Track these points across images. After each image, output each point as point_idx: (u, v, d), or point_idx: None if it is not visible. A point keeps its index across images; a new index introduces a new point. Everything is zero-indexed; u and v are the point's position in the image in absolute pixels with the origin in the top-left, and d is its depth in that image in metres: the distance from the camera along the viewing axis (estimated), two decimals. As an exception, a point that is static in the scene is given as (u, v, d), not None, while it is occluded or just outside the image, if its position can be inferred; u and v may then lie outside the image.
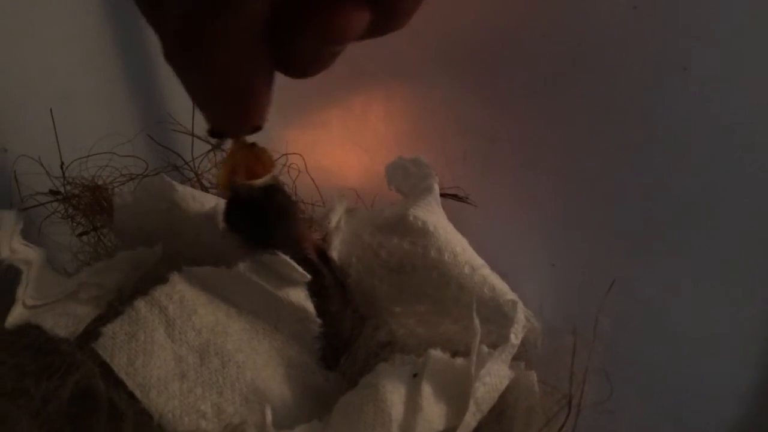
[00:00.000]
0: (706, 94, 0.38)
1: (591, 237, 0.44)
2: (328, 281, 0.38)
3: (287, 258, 0.35)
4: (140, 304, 0.34)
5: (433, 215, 0.40)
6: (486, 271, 0.39)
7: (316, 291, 0.37)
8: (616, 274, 0.35)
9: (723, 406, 0.40)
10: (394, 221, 0.40)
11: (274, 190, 0.35)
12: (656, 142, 0.41)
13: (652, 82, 0.39)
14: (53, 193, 0.45)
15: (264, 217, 0.35)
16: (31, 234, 0.39)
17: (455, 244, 0.39)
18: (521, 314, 0.35)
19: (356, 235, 0.41)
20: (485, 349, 0.33)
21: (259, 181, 0.34)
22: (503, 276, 0.39)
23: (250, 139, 0.32)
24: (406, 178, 0.44)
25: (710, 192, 0.40)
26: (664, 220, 0.41)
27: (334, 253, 0.40)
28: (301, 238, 0.37)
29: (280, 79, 0.60)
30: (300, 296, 0.36)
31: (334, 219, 0.41)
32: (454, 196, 0.45)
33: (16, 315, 0.34)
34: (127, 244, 0.42)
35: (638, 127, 0.41)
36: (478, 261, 0.39)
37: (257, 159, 0.35)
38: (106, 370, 0.30)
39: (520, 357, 0.35)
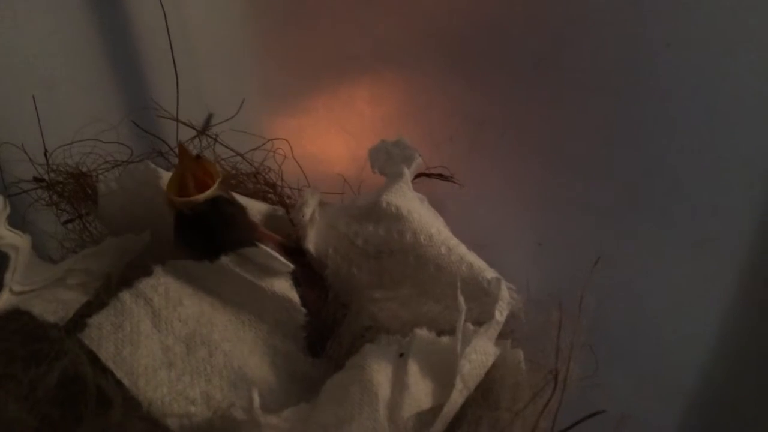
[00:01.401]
0: (690, 71, 0.38)
1: (576, 217, 0.44)
2: (297, 276, 0.38)
3: (269, 249, 0.35)
4: (125, 295, 0.34)
5: (406, 200, 0.40)
6: (462, 250, 0.39)
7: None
8: (601, 252, 0.35)
9: (707, 380, 0.40)
10: (368, 209, 0.40)
11: (219, 201, 0.35)
12: (641, 121, 0.41)
13: (635, 59, 0.39)
14: (37, 180, 0.44)
15: (214, 228, 0.35)
16: (15, 222, 0.39)
17: (430, 226, 0.39)
18: (505, 291, 0.35)
19: (331, 227, 0.41)
20: (470, 326, 0.33)
21: (201, 196, 0.34)
22: (490, 255, 0.40)
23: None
24: (389, 160, 0.44)
25: (694, 171, 0.40)
26: (649, 198, 0.42)
27: (311, 246, 0.41)
28: (260, 239, 0.37)
29: (265, 64, 0.60)
30: (284, 286, 0.37)
31: (308, 212, 0.42)
32: (440, 176, 0.45)
33: (3, 301, 0.34)
34: (113, 231, 0.42)
35: (623, 107, 0.41)
36: (453, 241, 0.39)
37: (204, 170, 0.36)
38: (95, 357, 0.30)
39: (505, 335, 0.36)
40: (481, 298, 0.37)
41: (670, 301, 0.41)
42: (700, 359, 0.41)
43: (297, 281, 0.38)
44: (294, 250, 0.39)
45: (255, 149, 0.49)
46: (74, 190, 0.45)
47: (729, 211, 0.40)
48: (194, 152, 0.37)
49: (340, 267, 0.40)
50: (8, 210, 0.37)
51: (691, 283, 0.41)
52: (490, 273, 0.38)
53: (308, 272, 0.40)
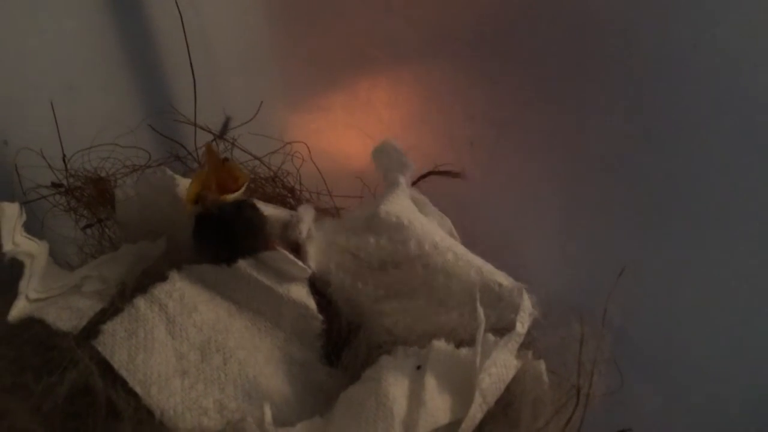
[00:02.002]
0: (718, 73, 0.36)
1: (601, 224, 0.43)
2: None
3: (287, 253, 0.35)
4: (140, 302, 0.34)
5: (405, 209, 0.39)
6: (470, 256, 0.38)
7: None
8: (626, 261, 0.34)
9: (736, 396, 0.39)
10: (366, 221, 0.39)
11: (244, 205, 0.36)
12: (667, 124, 0.39)
13: (662, 61, 0.38)
14: (55, 185, 0.44)
15: (234, 232, 0.36)
16: (33, 227, 0.39)
17: (434, 234, 0.38)
18: (527, 301, 0.34)
19: (331, 242, 0.40)
20: (491, 337, 0.32)
21: (230, 196, 0.35)
22: (511, 262, 0.39)
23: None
24: (389, 163, 0.43)
25: (725, 176, 0.39)
26: (677, 204, 0.40)
27: (311, 263, 0.39)
28: (270, 249, 0.37)
29: (283, 67, 0.59)
30: (301, 293, 0.36)
31: (304, 229, 0.41)
32: (448, 173, 0.44)
33: (19, 308, 0.34)
34: (131, 236, 0.42)
35: (649, 110, 0.40)
36: (459, 248, 0.39)
37: (229, 174, 0.36)
38: (105, 368, 0.30)
39: (527, 344, 0.35)
40: (495, 303, 0.36)
41: (702, 313, 0.39)
42: (731, 375, 0.39)
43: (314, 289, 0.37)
44: None
45: (273, 153, 0.49)
46: (93, 195, 0.45)
47: (764, 218, 0.38)
48: (222, 155, 0.38)
49: (344, 282, 0.39)
50: (24, 217, 0.37)
51: (726, 294, 0.39)
52: (501, 277, 0.37)
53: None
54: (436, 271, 0.37)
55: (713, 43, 0.36)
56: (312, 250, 0.40)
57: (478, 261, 0.38)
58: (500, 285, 0.37)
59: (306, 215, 0.42)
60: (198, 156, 0.49)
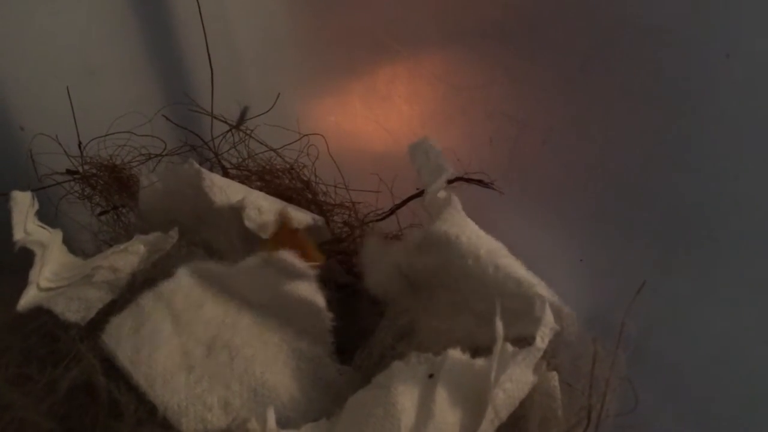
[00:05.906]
0: (751, 84, 0.35)
1: (623, 234, 0.41)
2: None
3: (293, 253, 0.35)
4: (147, 296, 0.33)
5: (456, 225, 0.39)
6: (512, 268, 0.37)
7: None
8: (647, 274, 0.32)
9: (761, 421, 0.37)
10: (418, 239, 0.40)
11: None
12: (696, 135, 0.38)
13: (692, 70, 0.36)
14: (70, 172, 0.44)
15: None
16: (48, 213, 0.39)
17: (479, 248, 0.37)
18: (549, 315, 0.33)
19: (383, 259, 0.41)
20: (509, 348, 0.31)
21: None
22: (528, 269, 0.38)
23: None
24: (426, 162, 0.42)
25: (751, 190, 0.37)
26: (702, 218, 0.39)
27: (368, 280, 0.41)
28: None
29: (302, 57, 0.58)
30: (309, 290, 0.35)
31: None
32: (479, 182, 0.43)
33: (29, 297, 0.34)
34: (151, 224, 0.42)
35: (677, 119, 0.38)
36: (503, 261, 0.37)
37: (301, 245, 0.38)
38: (109, 364, 0.30)
39: (544, 356, 0.34)
40: (530, 314, 0.35)
41: (722, 331, 0.38)
42: (754, 397, 0.37)
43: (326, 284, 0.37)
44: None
45: (290, 144, 0.48)
46: (108, 182, 0.45)
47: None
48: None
49: (387, 292, 0.40)
50: (36, 206, 0.37)
51: (747, 312, 0.37)
52: (542, 289, 0.36)
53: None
54: (471, 278, 0.37)
55: (748, 53, 0.34)
56: (367, 265, 0.41)
57: (521, 272, 0.37)
58: (540, 297, 0.35)
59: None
60: (214, 146, 0.48)
